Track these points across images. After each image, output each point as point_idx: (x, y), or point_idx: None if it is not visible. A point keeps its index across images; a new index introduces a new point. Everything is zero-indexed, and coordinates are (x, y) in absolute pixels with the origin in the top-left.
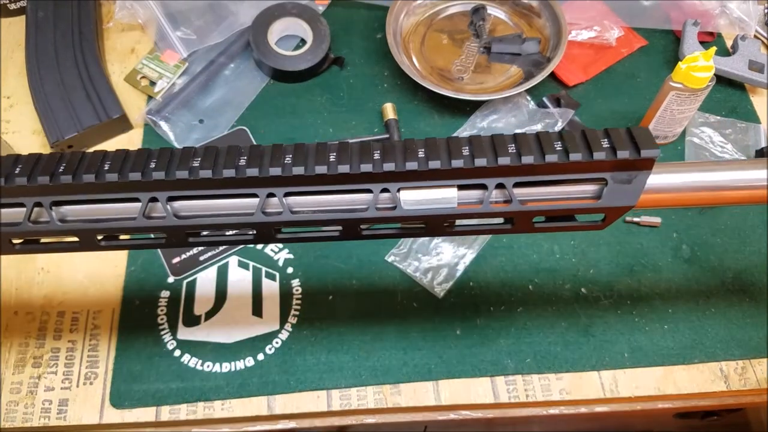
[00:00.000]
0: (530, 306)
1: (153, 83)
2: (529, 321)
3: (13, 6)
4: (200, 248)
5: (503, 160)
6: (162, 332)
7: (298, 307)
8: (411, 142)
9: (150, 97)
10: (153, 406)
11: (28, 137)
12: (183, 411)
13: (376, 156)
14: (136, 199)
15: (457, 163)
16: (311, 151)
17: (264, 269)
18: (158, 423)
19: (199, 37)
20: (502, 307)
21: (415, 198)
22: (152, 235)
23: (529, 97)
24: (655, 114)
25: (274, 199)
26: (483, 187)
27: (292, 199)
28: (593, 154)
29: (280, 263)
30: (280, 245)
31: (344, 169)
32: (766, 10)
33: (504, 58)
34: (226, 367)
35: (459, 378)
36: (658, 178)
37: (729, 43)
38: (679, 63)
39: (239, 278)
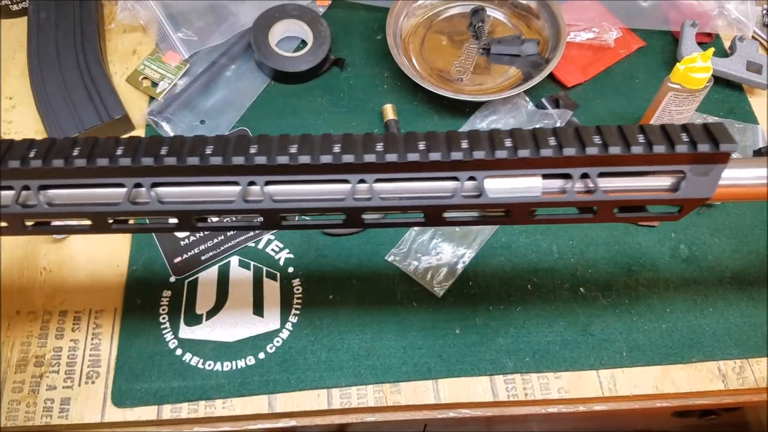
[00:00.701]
0: (529, 305)
1: (155, 84)
2: (527, 320)
3: (15, 7)
4: (201, 248)
5: (591, 150)
6: (163, 331)
7: (299, 307)
8: (497, 132)
9: (151, 98)
10: (154, 405)
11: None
12: (184, 409)
13: (465, 145)
14: (235, 183)
15: (545, 153)
16: (401, 140)
17: (265, 269)
18: (160, 421)
19: (200, 38)
20: (501, 306)
21: (501, 186)
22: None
23: (527, 98)
24: (653, 114)
25: (365, 185)
26: (567, 176)
27: (380, 186)
28: (675, 147)
29: (281, 263)
30: (281, 245)
31: (435, 156)
32: (764, 11)
33: (503, 59)
34: (227, 365)
35: (458, 377)
36: (731, 172)
37: (727, 44)
38: (677, 64)
39: (240, 278)
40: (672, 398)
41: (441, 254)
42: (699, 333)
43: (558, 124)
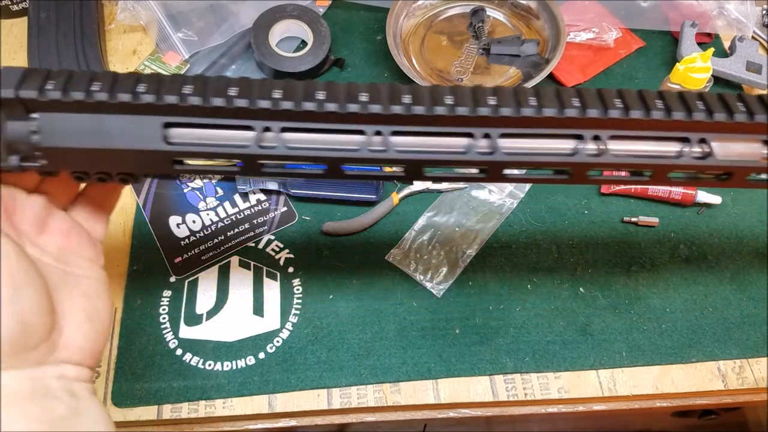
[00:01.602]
0: (529, 305)
1: None
2: (527, 320)
3: (15, 7)
4: (201, 248)
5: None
6: (164, 331)
7: (299, 306)
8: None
9: None
10: (155, 405)
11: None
12: (185, 409)
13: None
14: (469, 134)
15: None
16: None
17: (265, 269)
18: (160, 421)
19: (200, 38)
20: (501, 306)
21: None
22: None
23: None
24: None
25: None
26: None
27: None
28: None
29: (281, 262)
30: (281, 245)
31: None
32: (763, 12)
33: (503, 59)
34: (228, 365)
35: (458, 377)
36: None
37: (727, 45)
38: (677, 64)
39: (240, 277)
40: (672, 398)
41: (441, 254)
42: (699, 333)
43: None
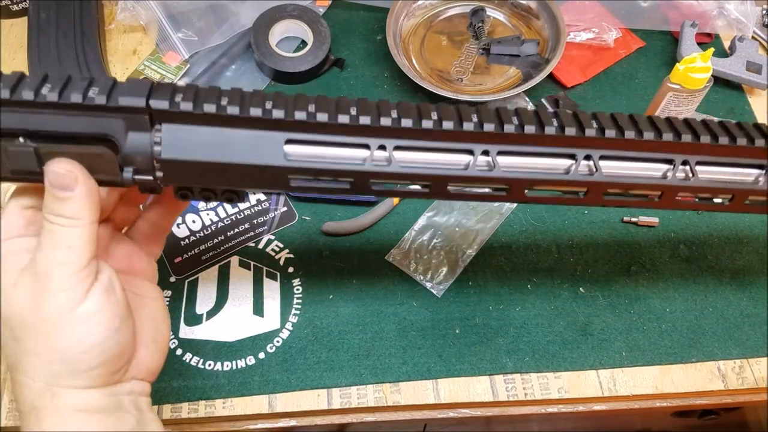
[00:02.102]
0: (528, 305)
1: None
2: (527, 320)
3: (15, 7)
4: (201, 248)
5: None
6: None
7: (299, 306)
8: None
9: None
10: (154, 405)
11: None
12: (185, 409)
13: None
14: (571, 156)
15: (686, 138)
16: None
17: (265, 269)
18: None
19: (200, 38)
20: (501, 306)
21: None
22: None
23: (527, 98)
24: (653, 115)
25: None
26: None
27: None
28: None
29: (281, 262)
30: (281, 245)
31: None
32: (763, 12)
33: (503, 59)
34: (228, 365)
35: (458, 377)
36: None
37: (727, 44)
38: (677, 64)
39: (240, 278)
40: (672, 398)
41: (441, 254)
42: (699, 333)
43: None
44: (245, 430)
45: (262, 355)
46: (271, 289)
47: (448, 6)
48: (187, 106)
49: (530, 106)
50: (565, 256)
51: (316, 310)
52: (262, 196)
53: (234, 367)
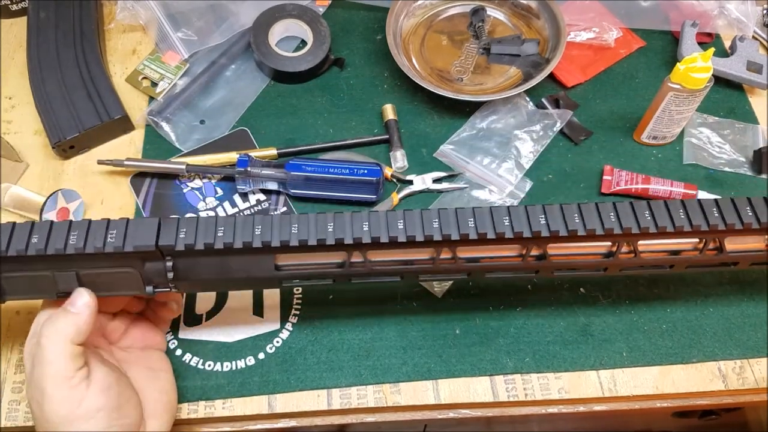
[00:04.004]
0: (529, 306)
1: (154, 84)
2: (527, 321)
3: (14, 7)
4: None
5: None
6: None
7: (299, 307)
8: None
9: (151, 98)
10: None
11: (29, 138)
12: (184, 410)
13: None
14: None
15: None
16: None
17: None
18: None
19: (200, 38)
20: (501, 306)
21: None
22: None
23: (528, 98)
24: (653, 115)
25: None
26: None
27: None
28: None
29: None
30: None
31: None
32: (764, 11)
33: (503, 59)
34: (227, 366)
35: (458, 377)
36: None
37: (727, 44)
38: (678, 64)
39: None
40: (672, 398)
41: None
42: (699, 333)
43: (558, 124)
44: (245, 431)
45: (261, 356)
46: (271, 290)
47: (448, 5)
48: (189, 243)
49: (530, 106)
50: None
51: (315, 310)
52: (262, 196)
53: (234, 368)
